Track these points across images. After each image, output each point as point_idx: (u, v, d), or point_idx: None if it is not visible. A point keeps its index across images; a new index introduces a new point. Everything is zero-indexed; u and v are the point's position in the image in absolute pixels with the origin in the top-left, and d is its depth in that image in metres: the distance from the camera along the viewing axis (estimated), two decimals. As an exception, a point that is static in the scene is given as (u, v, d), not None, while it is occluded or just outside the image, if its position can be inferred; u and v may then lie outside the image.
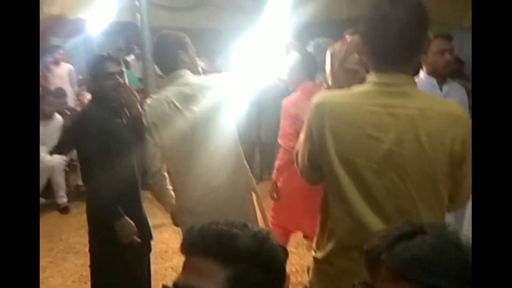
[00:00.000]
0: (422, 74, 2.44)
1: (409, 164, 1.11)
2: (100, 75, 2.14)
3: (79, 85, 5.68)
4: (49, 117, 4.34)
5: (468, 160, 1.13)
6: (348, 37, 3.68)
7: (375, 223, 1.15)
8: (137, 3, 4.41)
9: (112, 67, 2.15)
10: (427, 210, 1.14)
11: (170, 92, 2.04)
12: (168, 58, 2.07)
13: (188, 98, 2.02)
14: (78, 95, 5.10)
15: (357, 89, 1.20)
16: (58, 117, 4.43)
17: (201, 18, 7.85)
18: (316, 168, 1.28)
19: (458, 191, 1.19)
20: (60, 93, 4.80)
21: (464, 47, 5.88)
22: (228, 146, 2.11)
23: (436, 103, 1.18)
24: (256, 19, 8.10)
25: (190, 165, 2.05)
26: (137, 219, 2.25)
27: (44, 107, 4.25)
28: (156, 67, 2.63)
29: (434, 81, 2.40)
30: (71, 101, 5.21)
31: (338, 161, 1.17)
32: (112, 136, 2.15)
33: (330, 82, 1.50)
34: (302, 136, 1.31)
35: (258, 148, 5.11)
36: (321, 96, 1.25)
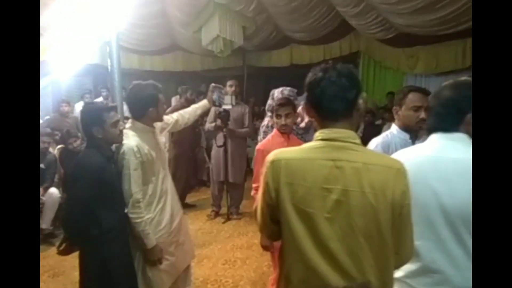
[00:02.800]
0: (394, 127, 2.34)
1: (355, 213, 1.23)
2: (107, 123, 2.28)
3: (46, 126, 5.62)
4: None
5: (408, 212, 1.26)
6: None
7: (327, 271, 1.26)
8: (107, 47, 4.53)
9: (116, 116, 2.33)
10: (375, 257, 1.25)
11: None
12: (140, 110, 2.50)
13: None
14: (46, 135, 5.00)
15: (307, 145, 1.35)
16: None
17: (169, 61, 8.10)
18: (275, 222, 1.38)
19: (401, 242, 1.29)
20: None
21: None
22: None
23: (378, 157, 1.31)
24: (223, 63, 8.43)
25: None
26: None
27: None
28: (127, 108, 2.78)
29: (407, 136, 2.27)
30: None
31: (294, 213, 1.29)
32: (109, 183, 2.29)
33: None
34: (259, 193, 1.42)
35: (226, 188, 5.21)
36: (275, 153, 1.37)
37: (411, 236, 1.30)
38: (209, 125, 5.07)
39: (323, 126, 1.32)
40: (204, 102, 3.12)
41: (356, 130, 1.35)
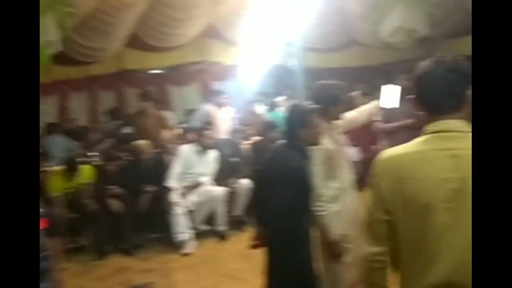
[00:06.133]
0: None
1: (469, 200, 1.18)
2: (313, 125, 2.40)
3: (238, 123, 6.17)
4: (208, 149, 4.77)
5: None
6: None
7: (444, 263, 1.22)
8: (289, 48, 4.76)
9: (318, 118, 2.44)
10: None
11: None
12: (324, 109, 2.53)
13: None
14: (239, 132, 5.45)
15: (416, 140, 1.33)
16: (213, 150, 4.85)
17: (346, 57, 8.05)
18: (383, 228, 1.35)
19: None
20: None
21: None
22: None
23: None
24: (404, 55, 7.95)
25: None
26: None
27: (203, 139, 4.75)
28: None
29: None
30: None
31: (409, 207, 1.27)
32: (309, 184, 2.41)
33: None
34: (369, 199, 1.40)
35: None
36: (384, 152, 1.39)
37: None
38: (387, 125, 4.78)
39: (431, 120, 1.31)
40: (376, 103, 3.03)
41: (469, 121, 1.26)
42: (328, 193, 2.50)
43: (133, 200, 4.53)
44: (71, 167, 4.45)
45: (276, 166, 2.45)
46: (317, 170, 2.44)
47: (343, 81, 2.75)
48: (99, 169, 4.70)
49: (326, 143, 2.50)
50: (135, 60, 6.99)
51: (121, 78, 7.42)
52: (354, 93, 8.43)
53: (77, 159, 4.70)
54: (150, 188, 4.60)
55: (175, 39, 6.64)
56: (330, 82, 2.64)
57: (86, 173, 4.51)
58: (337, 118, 2.66)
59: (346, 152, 2.82)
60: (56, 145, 5.64)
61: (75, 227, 4.40)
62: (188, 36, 6.68)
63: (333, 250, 2.53)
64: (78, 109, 7.62)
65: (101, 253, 4.33)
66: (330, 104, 2.55)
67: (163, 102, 7.31)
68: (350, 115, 2.90)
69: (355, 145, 6.34)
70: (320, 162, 2.45)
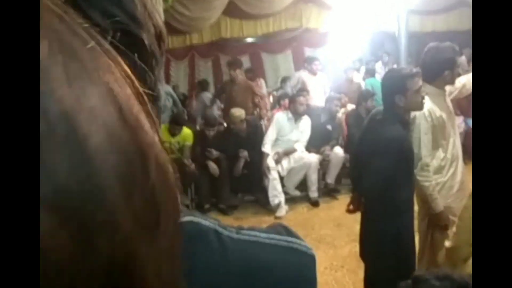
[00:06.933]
0: None
1: None
2: (410, 91, 2.22)
3: (333, 90, 6.06)
4: (301, 116, 4.77)
5: None
6: None
7: None
8: (391, 11, 4.49)
9: (419, 82, 2.26)
10: None
11: None
12: (435, 73, 2.40)
13: None
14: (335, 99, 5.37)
15: None
16: (306, 117, 4.83)
17: (454, 19, 7.37)
18: None
19: None
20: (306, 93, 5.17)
21: None
22: None
23: None
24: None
25: None
26: None
27: (296, 106, 4.75)
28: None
29: None
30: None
31: None
32: (407, 153, 2.29)
33: None
34: None
35: None
36: None
37: None
38: None
39: None
40: None
41: None
42: (434, 163, 2.40)
43: (229, 163, 4.76)
44: (176, 123, 4.73)
45: (372, 136, 2.38)
46: (423, 138, 2.33)
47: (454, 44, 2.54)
48: (198, 133, 4.99)
49: (435, 110, 2.37)
50: (232, 29, 7.16)
51: (218, 47, 7.67)
52: (460, 59, 7.81)
53: (183, 117, 4.99)
54: (245, 152, 4.79)
55: (272, 5, 6.64)
56: (444, 44, 2.46)
57: (186, 134, 4.79)
58: (450, 83, 2.49)
59: (455, 121, 2.64)
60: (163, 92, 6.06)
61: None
62: (285, 1, 6.64)
63: (439, 222, 2.45)
64: (178, 76, 8.10)
65: (201, 211, 4.64)
66: (444, 68, 2.38)
67: (257, 70, 7.44)
68: (460, 81, 2.69)
69: (459, 115, 5.93)
70: (427, 130, 2.34)
